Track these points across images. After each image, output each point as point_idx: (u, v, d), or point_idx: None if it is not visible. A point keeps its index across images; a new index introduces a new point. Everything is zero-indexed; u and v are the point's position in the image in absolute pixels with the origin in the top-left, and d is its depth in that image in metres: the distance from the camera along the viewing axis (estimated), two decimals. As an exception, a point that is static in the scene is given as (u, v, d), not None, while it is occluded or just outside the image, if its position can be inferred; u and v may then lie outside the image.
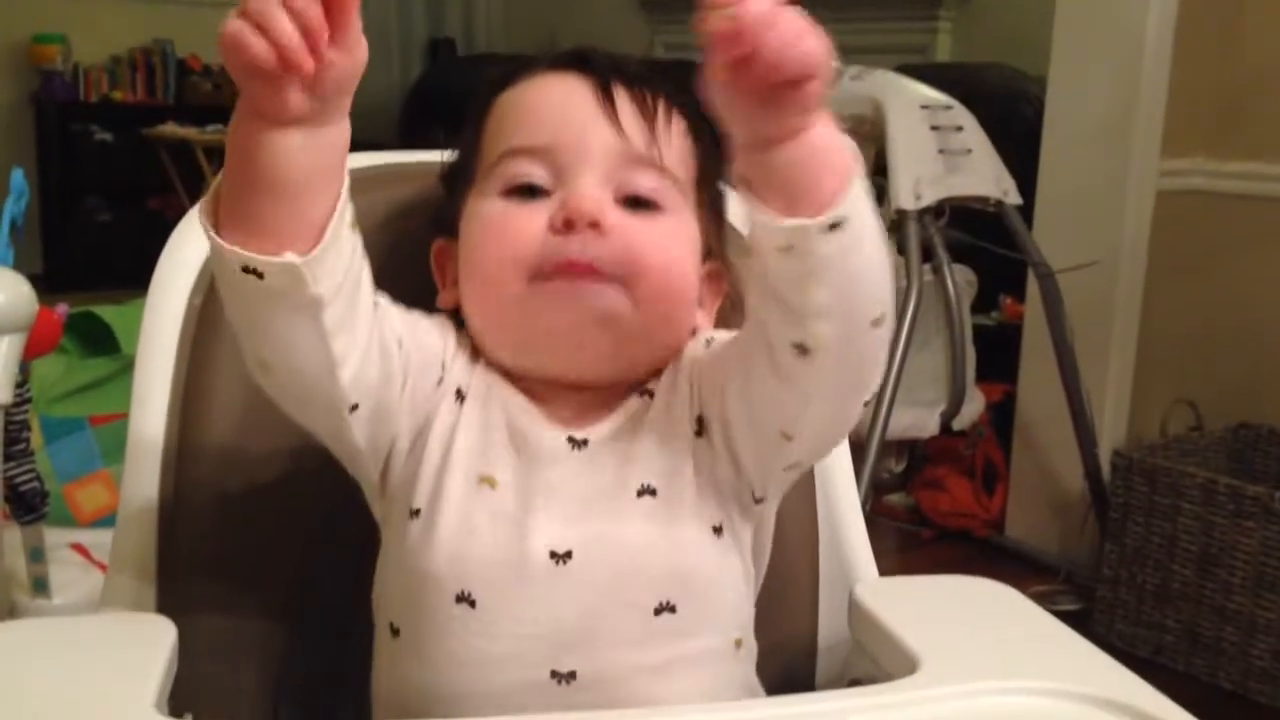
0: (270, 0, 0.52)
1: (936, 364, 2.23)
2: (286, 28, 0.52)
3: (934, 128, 2.12)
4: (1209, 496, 1.98)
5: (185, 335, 0.81)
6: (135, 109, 4.95)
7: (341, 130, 0.59)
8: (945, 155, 2.11)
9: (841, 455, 0.87)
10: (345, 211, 0.60)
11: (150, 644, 0.66)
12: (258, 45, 0.52)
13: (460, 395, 0.71)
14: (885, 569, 0.86)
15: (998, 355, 2.46)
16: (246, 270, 0.58)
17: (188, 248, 0.81)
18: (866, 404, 0.67)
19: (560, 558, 0.67)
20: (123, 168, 4.77)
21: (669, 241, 0.70)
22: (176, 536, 0.79)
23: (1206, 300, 2.34)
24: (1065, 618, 0.73)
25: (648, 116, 0.71)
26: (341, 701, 0.71)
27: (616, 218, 0.69)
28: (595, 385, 0.72)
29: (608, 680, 0.67)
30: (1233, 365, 2.32)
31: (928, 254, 2.12)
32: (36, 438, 1.54)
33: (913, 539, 2.58)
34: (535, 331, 0.70)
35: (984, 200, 2.16)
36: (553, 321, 0.69)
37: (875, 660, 0.73)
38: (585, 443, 0.70)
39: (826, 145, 0.57)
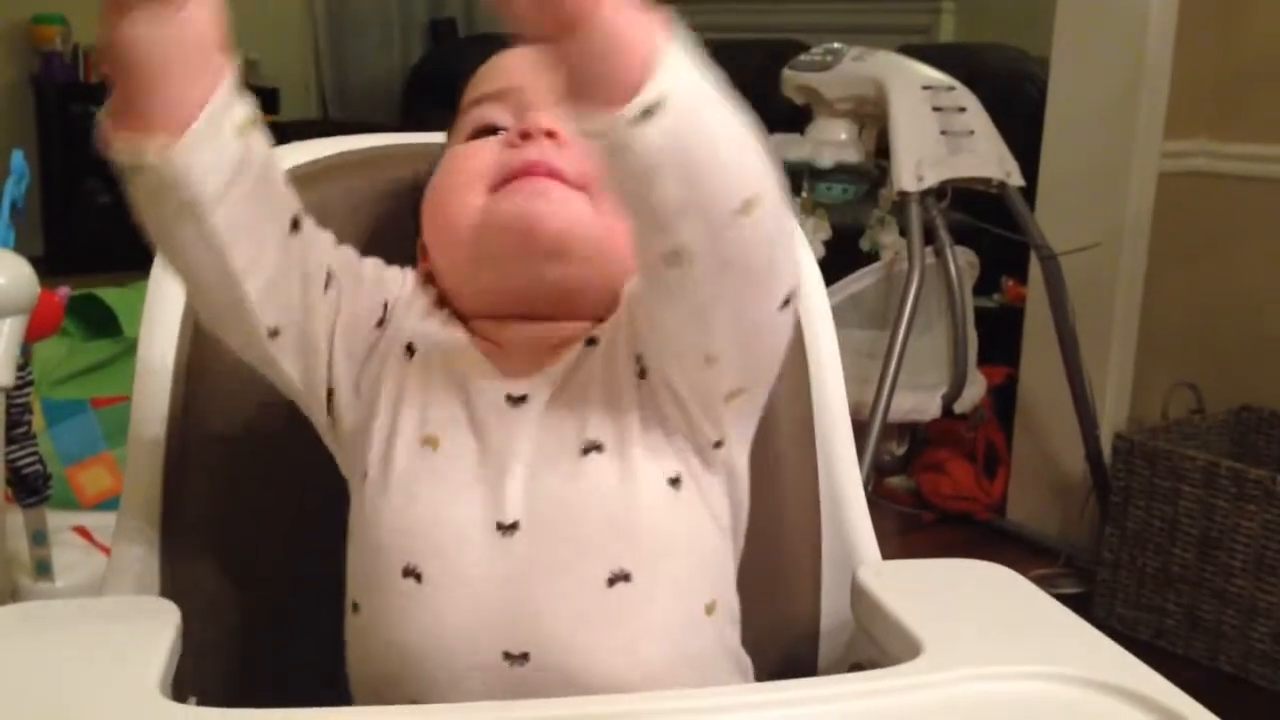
0: None
1: (938, 347, 2.22)
2: None
3: (936, 109, 2.11)
4: (1210, 480, 1.98)
5: (187, 317, 0.80)
6: (135, 90, 4.92)
7: (200, 13, 0.57)
8: (948, 136, 2.10)
9: (843, 436, 0.87)
10: (229, 107, 0.58)
11: (154, 626, 0.66)
12: None
13: (410, 350, 0.70)
14: (887, 552, 0.85)
15: (999, 338, 2.45)
16: (130, 165, 0.58)
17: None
18: (787, 305, 0.62)
19: (506, 529, 0.64)
20: (123, 150, 4.75)
21: None
22: (180, 518, 0.79)
23: (1208, 282, 2.34)
24: (1066, 601, 0.72)
25: None
26: (343, 682, 0.71)
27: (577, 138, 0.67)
28: (546, 316, 0.70)
29: (563, 660, 0.63)
30: (1234, 347, 2.32)
31: (929, 236, 2.12)
32: (38, 420, 1.54)
33: (914, 522, 2.58)
34: (495, 231, 0.68)
35: (986, 182, 2.15)
36: (512, 217, 0.67)
37: (878, 644, 0.73)
38: (524, 399, 0.67)
39: (620, 28, 0.52)
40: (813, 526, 0.86)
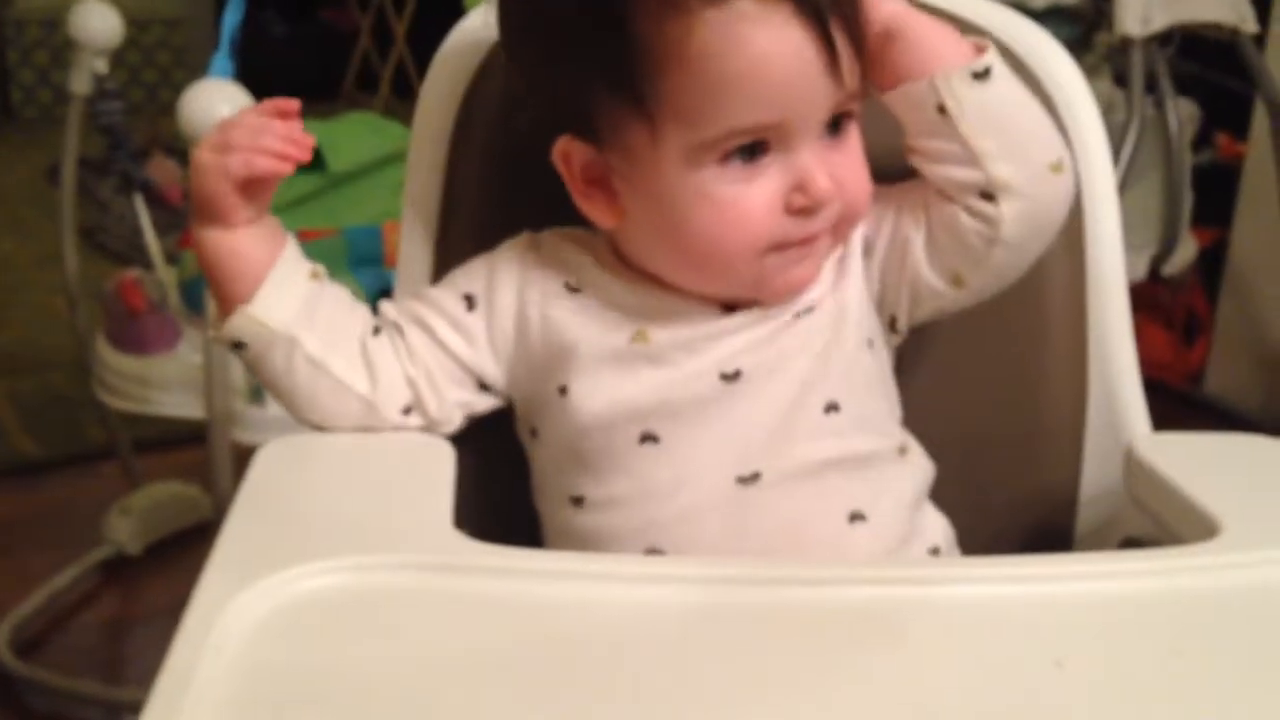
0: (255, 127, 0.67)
1: (1148, 206, 2.10)
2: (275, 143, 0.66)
3: (1169, -54, 1.94)
4: None
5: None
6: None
7: (265, 221, 0.71)
8: (1179, -24, 1.94)
9: (1118, 303, 0.81)
10: (291, 262, 0.71)
11: (436, 463, 0.67)
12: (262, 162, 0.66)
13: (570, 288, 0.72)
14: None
15: (1209, 197, 2.30)
16: (236, 347, 0.70)
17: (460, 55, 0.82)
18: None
19: (729, 378, 0.68)
20: (295, -20, 4.77)
21: (860, 161, 0.69)
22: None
23: None
24: None
25: (860, 46, 0.66)
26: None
27: (834, 173, 0.66)
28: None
29: (791, 477, 0.68)
30: None
31: (1149, 86, 1.97)
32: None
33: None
34: (758, 286, 0.69)
35: (1218, 27, 1.98)
36: (784, 281, 0.69)
37: (1160, 521, 0.70)
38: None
39: (925, 30, 0.68)
40: (1078, 391, 0.81)
